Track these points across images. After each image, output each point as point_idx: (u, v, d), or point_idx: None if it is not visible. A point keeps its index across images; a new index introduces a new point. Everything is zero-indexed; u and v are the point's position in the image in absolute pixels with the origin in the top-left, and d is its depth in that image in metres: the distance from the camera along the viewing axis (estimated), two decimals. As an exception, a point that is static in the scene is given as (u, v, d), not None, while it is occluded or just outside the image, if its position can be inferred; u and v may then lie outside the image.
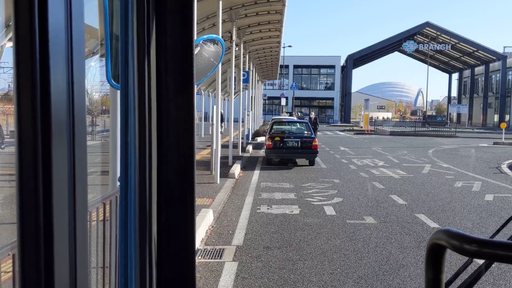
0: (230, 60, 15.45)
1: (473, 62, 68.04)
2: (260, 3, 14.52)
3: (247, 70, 21.37)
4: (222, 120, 28.80)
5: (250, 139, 25.28)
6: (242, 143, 19.88)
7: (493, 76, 64.13)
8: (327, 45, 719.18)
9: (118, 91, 0.88)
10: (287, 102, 54.21)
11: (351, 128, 47.06)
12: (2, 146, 20.27)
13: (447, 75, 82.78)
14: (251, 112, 28.18)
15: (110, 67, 1.16)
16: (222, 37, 12.43)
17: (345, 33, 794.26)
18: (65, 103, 0.62)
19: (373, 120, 46.25)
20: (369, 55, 73.19)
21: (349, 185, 11.88)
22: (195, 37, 1.04)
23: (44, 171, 0.59)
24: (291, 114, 40.68)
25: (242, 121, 20.80)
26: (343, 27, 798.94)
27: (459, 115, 69.60)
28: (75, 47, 0.63)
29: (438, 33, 63.89)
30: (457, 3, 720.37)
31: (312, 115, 32.42)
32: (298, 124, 17.43)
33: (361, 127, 45.68)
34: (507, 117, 57.97)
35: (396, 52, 78.04)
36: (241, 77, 19.65)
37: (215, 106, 12.08)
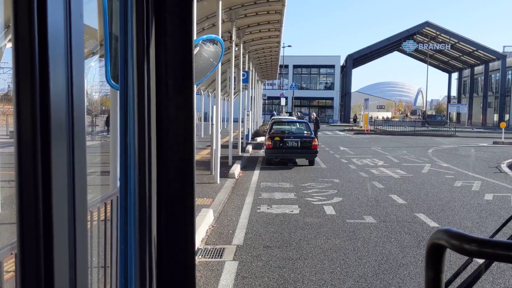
0: (230, 60, 15.45)
1: (472, 62, 68.04)
2: (260, 3, 14.51)
3: (246, 70, 21.36)
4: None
5: (250, 139, 25.27)
6: (242, 143, 19.87)
7: (493, 76, 64.13)
8: (326, 45, 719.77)
9: (118, 92, 0.88)
10: (286, 102, 54.19)
11: (350, 128, 47.07)
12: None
13: (446, 75, 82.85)
14: (250, 112, 28.17)
15: (109, 67, 1.16)
16: (221, 37, 12.43)
17: (345, 33, 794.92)
18: (65, 104, 0.62)
19: (373, 120, 46.25)
20: (369, 55, 73.15)
21: (349, 185, 11.88)
22: (194, 37, 1.04)
23: (43, 171, 0.59)
24: (290, 114, 40.68)
25: (242, 121, 20.80)
26: (343, 27, 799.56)
27: (458, 114, 69.62)
28: (74, 48, 0.63)
29: (437, 32, 63.89)
30: (457, 3, 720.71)
31: (313, 115, 32.38)
32: (298, 124, 17.43)
33: (361, 126, 45.69)
34: (506, 117, 57.97)
35: (395, 52, 78.10)
36: (241, 77, 19.64)
37: (215, 106, 12.08)
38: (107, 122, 27.75)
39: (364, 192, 10.97)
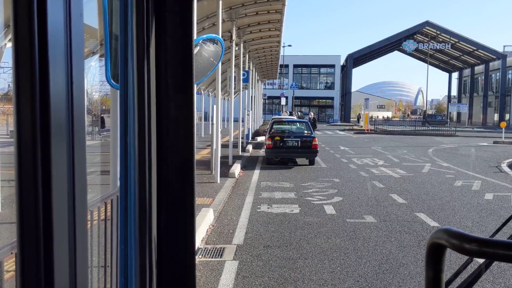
0: (230, 59, 15.45)
1: (473, 61, 68.01)
2: (260, 3, 14.50)
3: (247, 69, 21.35)
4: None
5: (250, 138, 25.27)
6: (242, 142, 19.87)
7: (493, 75, 64.10)
8: (326, 45, 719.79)
9: (118, 91, 0.88)
10: (287, 102, 54.16)
11: (351, 128, 47.08)
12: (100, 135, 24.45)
13: (447, 74, 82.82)
14: (251, 111, 28.17)
15: (109, 67, 1.16)
16: (222, 36, 12.42)
17: (345, 33, 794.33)
18: (65, 103, 0.62)
19: (373, 120, 46.24)
20: (369, 54, 73.16)
21: (349, 184, 11.88)
22: (194, 37, 1.04)
23: (43, 171, 0.59)
24: (291, 114, 40.69)
25: (242, 121, 20.78)
26: (343, 27, 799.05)
27: (459, 114, 69.60)
28: (74, 47, 0.63)
29: (438, 32, 63.87)
30: (457, 3, 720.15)
31: (311, 115, 32.50)
32: (298, 123, 17.42)
33: (361, 126, 45.70)
34: (507, 116, 57.95)
35: (396, 52, 78.09)
36: (241, 77, 19.63)
37: (215, 106, 12.08)
38: (96, 122, 27.81)
39: (364, 191, 10.97)
